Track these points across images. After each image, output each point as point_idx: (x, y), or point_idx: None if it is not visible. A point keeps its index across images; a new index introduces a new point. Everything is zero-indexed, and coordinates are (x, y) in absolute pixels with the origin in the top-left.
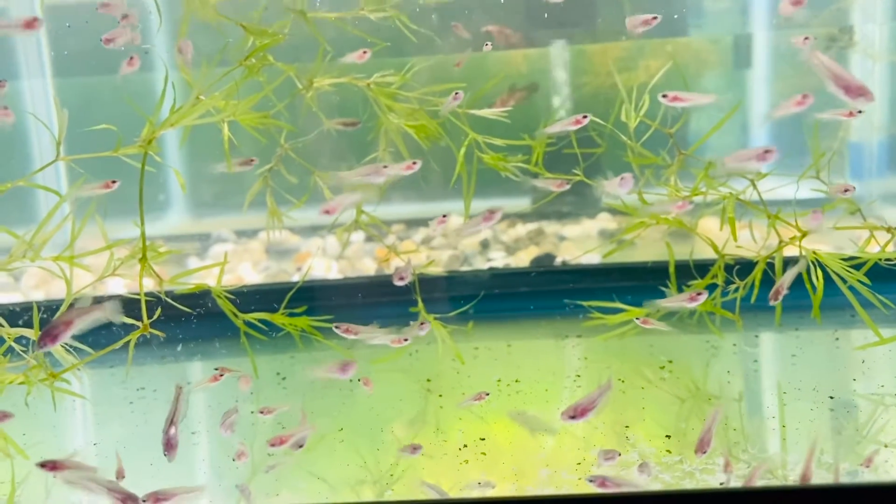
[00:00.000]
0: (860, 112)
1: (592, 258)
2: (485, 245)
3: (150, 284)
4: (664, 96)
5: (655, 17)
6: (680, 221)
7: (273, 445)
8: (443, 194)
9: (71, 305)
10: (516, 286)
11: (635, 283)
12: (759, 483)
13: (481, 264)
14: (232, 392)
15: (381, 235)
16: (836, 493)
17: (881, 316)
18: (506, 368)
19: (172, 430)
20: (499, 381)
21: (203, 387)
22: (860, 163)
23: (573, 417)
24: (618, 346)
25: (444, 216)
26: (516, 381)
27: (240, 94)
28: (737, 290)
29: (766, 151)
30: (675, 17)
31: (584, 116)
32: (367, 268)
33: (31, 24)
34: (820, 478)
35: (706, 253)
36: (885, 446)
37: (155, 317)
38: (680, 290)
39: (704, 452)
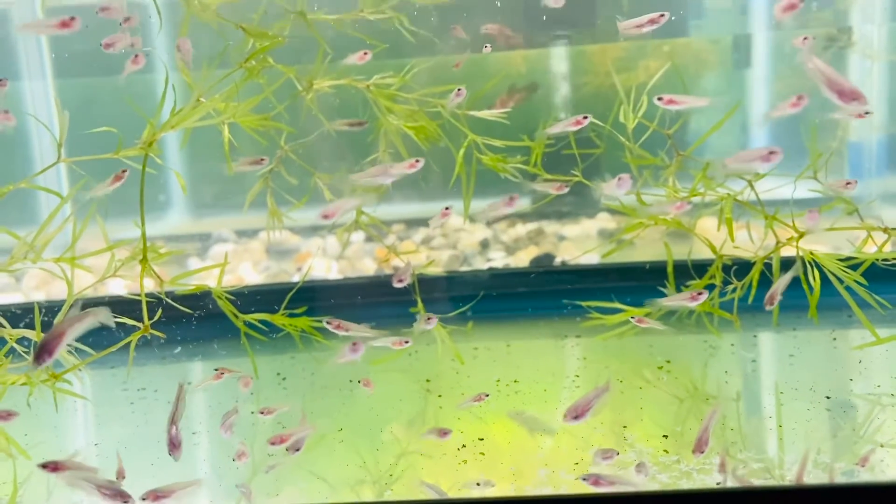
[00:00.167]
0: (868, 113)
1: (592, 258)
2: (484, 245)
3: (150, 285)
4: (659, 99)
5: (663, 15)
6: (678, 222)
7: (273, 444)
8: (442, 195)
9: (66, 312)
10: (516, 286)
11: (634, 283)
12: (756, 482)
13: (481, 264)
14: (232, 393)
15: (381, 236)
16: (831, 492)
17: (878, 316)
18: (505, 369)
19: (174, 430)
20: (498, 381)
21: (204, 386)
22: (859, 162)
23: (577, 418)
24: (616, 347)
25: (447, 208)
26: (515, 381)
27: (240, 96)
28: (734, 290)
29: (771, 153)
30: (673, 18)
31: (585, 117)
32: (367, 268)
33: (67, 23)
34: (816, 477)
35: (704, 253)
36: (881, 446)
37: (156, 318)
38: (678, 291)
39: (702, 452)
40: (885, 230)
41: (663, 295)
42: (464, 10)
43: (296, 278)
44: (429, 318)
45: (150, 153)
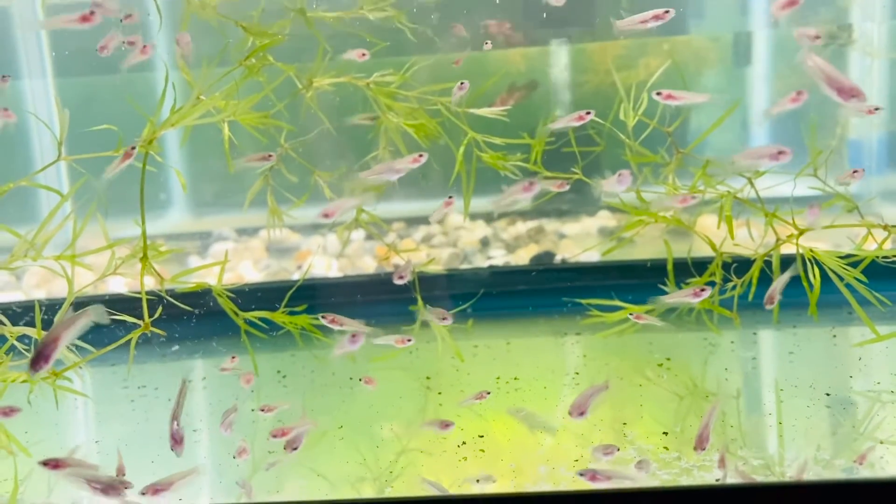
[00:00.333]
0: (878, 109)
1: (592, 256)
2: (485, 243)
3: (151, 283)
4: (658, 94)
5: (668, 11)
6: (678, 220)
7: (275, 437)
8: (442, 192)
9: (66, 310)
10: (516, 284)
11: (634, 280)
12: (756, 479)
13: (481, 262)
14: (233, 390)
15: (382, 234)
16: (831, 489)
17: (878, 313)
18: (505, 366)
19: (175, 426)
20: (498, 378)
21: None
22: (859, 160)
23: (582, 414)
24: (617, 344)
25: (451, 197)
26: (515, 378)
27: (240, 94)
28: (734, 287)
29: (780, 152)
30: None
31: (588, 112)
32: (368, 266)
33: (87, 17)
34: (815, 474)
35: (705, 251)
36: (881, 443)
37: (156, 315)
38: (679, 288)
39: (703, 449)
40: (885, 227)
41: (664, 292)
42: (464, 7)
43: (296, 276)
44: (443, 318)
45: (151, 151)
